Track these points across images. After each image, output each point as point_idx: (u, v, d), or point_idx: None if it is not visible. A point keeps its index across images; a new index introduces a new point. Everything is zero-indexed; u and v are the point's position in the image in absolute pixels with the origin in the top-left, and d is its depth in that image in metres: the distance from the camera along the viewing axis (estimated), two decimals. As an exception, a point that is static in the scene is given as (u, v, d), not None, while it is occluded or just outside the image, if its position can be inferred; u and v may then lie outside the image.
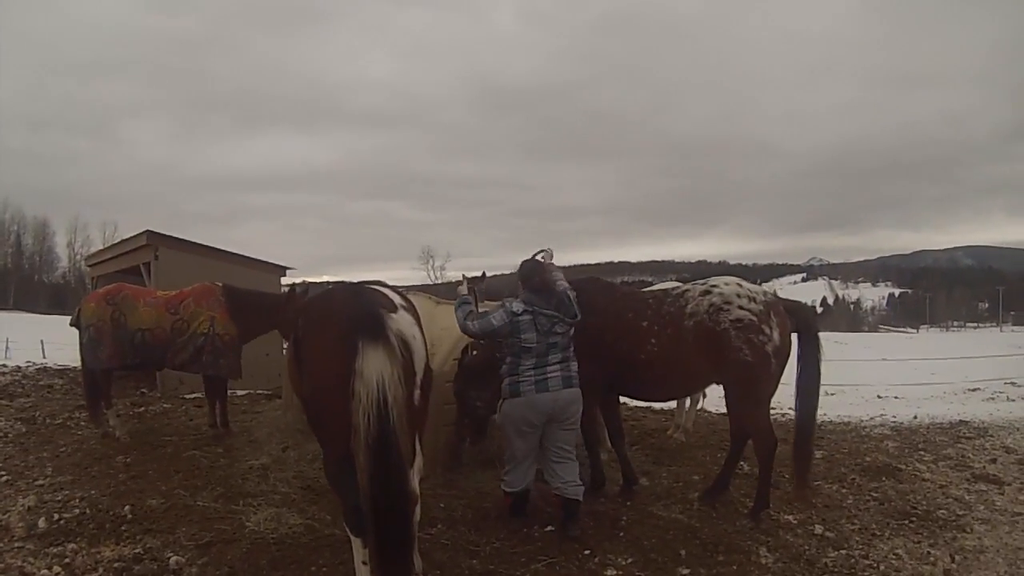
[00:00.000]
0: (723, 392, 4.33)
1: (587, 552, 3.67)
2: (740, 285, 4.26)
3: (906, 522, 4.25)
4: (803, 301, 5.74)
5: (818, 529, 4.07)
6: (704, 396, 7.23)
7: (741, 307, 4.09)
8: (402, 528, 2.80)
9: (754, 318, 4.05)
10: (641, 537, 3.88)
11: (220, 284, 6.31)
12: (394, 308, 3.14)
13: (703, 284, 4.38)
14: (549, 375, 3.91)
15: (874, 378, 11.20)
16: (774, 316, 4.10)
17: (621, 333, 4.32)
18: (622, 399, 5.13)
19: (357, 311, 2.95)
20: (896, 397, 9.67)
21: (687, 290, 4.39)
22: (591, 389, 4.43)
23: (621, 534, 3.93)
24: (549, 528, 3.97)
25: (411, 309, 3.35)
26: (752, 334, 4.03)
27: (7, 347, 13.47)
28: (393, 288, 3.57)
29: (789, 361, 4.22)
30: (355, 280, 3.71)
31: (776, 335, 4.06)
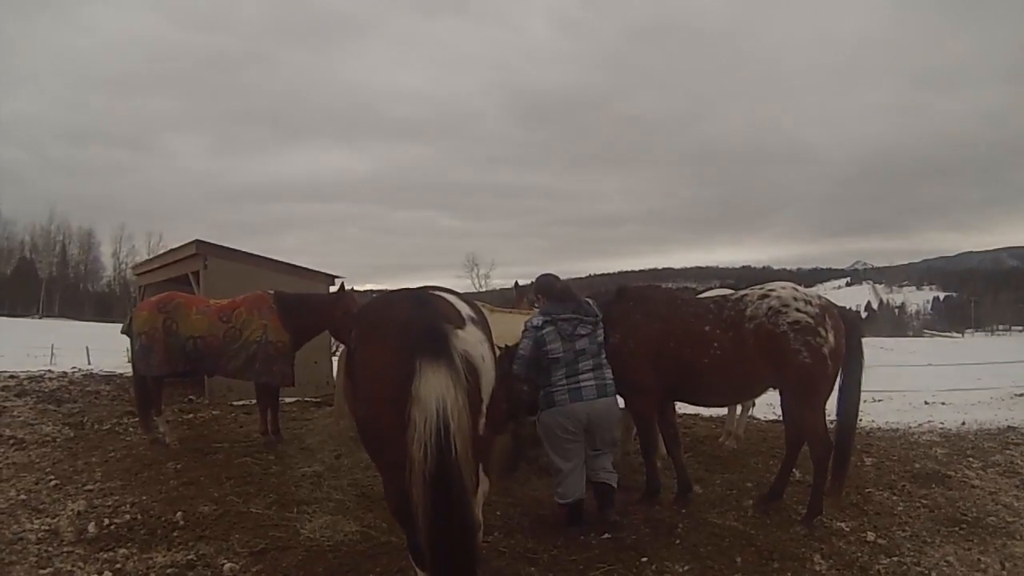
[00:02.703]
0: (779, 397, 4.34)
1: (644, 559, 3.64)
2: (796, 289, 4.31)
3: (956, 529, 4.19)
4: (847, 306, 5.68)
5: (870, 536, 4.02)
6: (754, 404, 7.15)
7: (799, 310, 4.12)
8: (464, 567, 2.52)
9: (811, 320, 4.08)
10: (697, 544, 3.85)
11: (272, 292, 6.38)
12: (462, 322, 2.81)
13: (760, 289, 4.41)
14: (583, 384, 3.97)
15: (921, 384, 11.03)
16: (829, 319, 4.13)
17: (684, 338, 4.33)
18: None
19: (417, 324, 2.61)
20: (943, 403, 9.49)
21: (745, 295, 4.42)
22: (649, 396, 4.48)
23: (677, 541, 3.90)
24: (607, 536, 3.95)
25: (482, 323, 3.02)
26: (810, 336, 4.05)
27: (52, 353, 13.86)
28: (460, 296, 3.23)
29: None
30: (414, 287, 3.35)
31: (832, 337, 4.09)
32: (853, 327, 4.30)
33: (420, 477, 2.41)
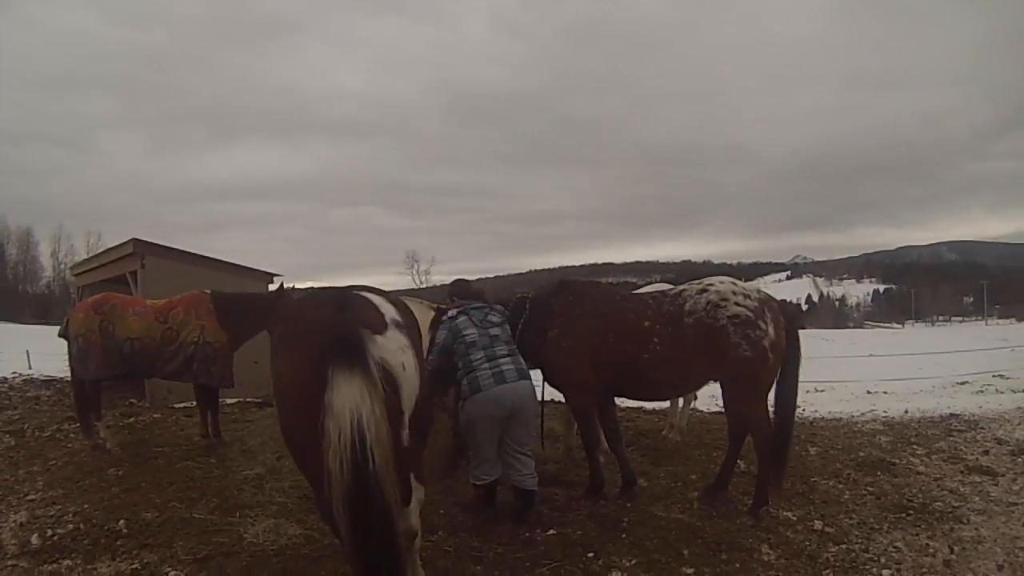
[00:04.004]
0: (721, 390, 4.41)
1: (591, 555, 3.66)
2: (735, 283, 4.37)
3: (903, 515, 4.29)
4: (787, 299, 5.81)
5: (817, 525, 4.10)
6: (695, 396, 7.27)
7: (737, 304, 4.19)
8: None
9: (750, 314, 4.15)
10: (644, 538, 3.88)
11: (209, 291, 6.24)
12: (383, 327, 2.67)
13: (699, 283, 4.46)
14: (503, 367, 4.04)
15: (863, 374, 11.27)
16: (768, 312, 4.22)
17: (623, 334, 4.36)
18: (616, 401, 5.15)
19: (332, 330, 2.48)
20: (886, 392, 9.73)
21: (684, 289, 4.46)
22: (589, 391, 4.49)
23: (624, 536, 3.93)
24: (552, 532, 3.97)
25: (408, 326, 2.88)
26: (749, 329, 4.12)
27: (-9, 358, 13.21)
28: (389, 298, 3.05)
29: None
30: (345, 285, 3.18)
31: (772, 330, 4.17)
32: (791, 320, 4.38)
33: (338, 491, 2.31)
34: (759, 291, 4.39)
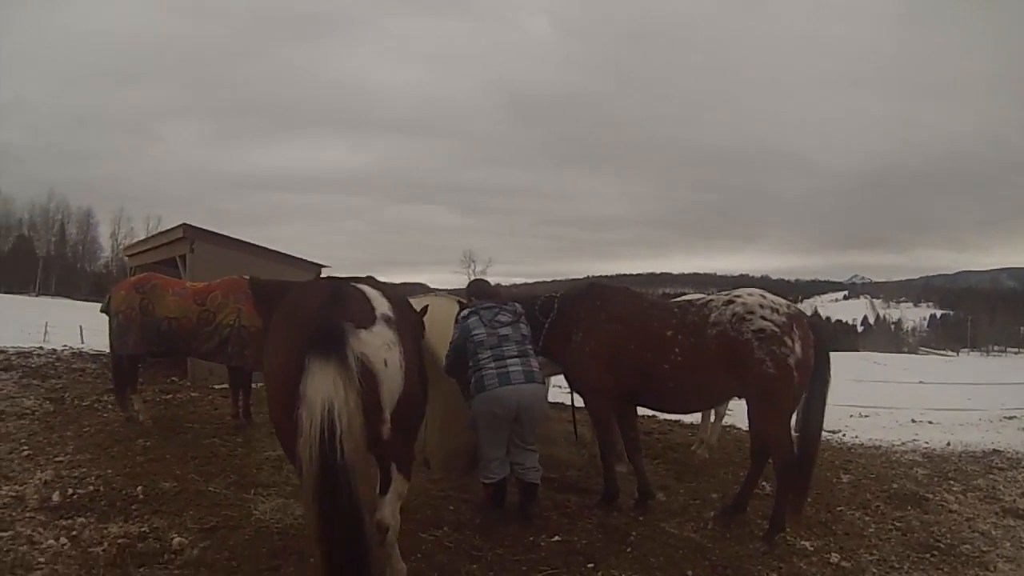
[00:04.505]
0: (746, 407, 4.23)
1: (591, 565, 3.58)
2: (764, 296, 4.19)
3: (927, 555, 4.06)
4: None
5: (834, 558, 3.90)
6: (727, 412, 7.07)
7: (764, 317, 4.01)
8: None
9: (776, 329, 3.97)
10: (649, 554, 3.78)
11: (247, 277, 6.40)
12: (370, 321, 2.67)
13: (727, 294, 4.31)
14: (510, 368, 4.02)
15: (910, 401, 10.84)
16: (797, 328, 4.02)
17: (645, 342, 4.26)
18: (651, 412, 5.05)
19: (315, 321, 2.49)
20: (931, 422, 9.29)
21: (711, 300, 4.33)
22: (607, 397, 4.42)
23: (629, 550, 3.83)
24: (557, 538, 3.90)
25: (402, 323, 2.86)
26: (775, 345, 3.94)
27: (46, 331, 13.97)
28: (385, 292, 3.02)
29: None
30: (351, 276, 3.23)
31: (799, 347, 3.97)
32: (821, 338, 4.19)
33: (307, 481, 2.30)
34: (789, 306, 4.20)
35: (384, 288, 3.11)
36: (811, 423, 4.11)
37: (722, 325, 4.08)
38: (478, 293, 4.58)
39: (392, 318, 2.78)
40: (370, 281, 3.16)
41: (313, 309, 2.64)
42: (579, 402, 4.97)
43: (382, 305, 2.81)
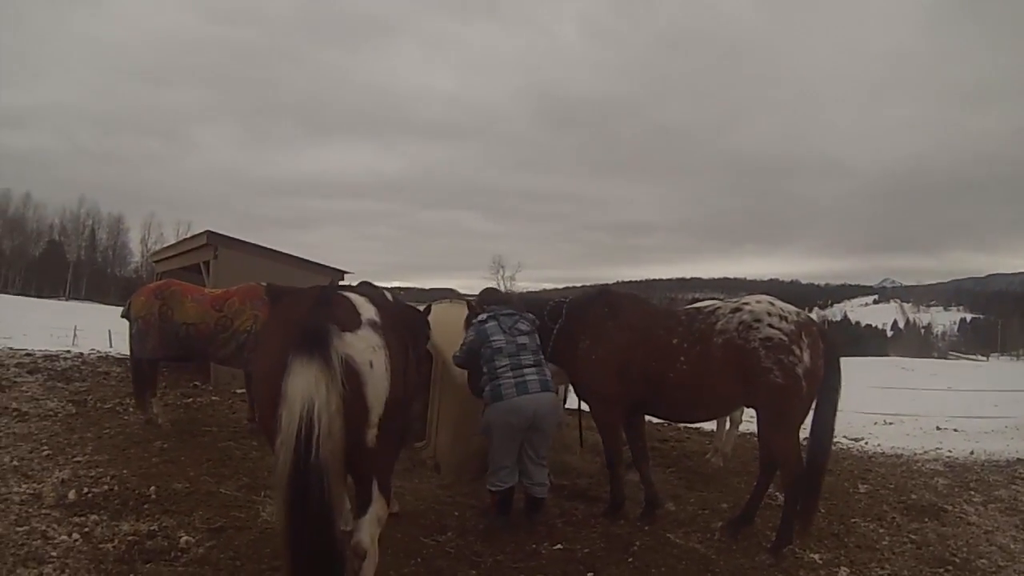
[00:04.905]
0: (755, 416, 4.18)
1: (590, 574, 3.57)
2: (772, 303, 4.12)
3: (941, 570, 3.96)
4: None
5: (843, 572, 3.82)
6: (741, 420, 6.96)
7: (771, 325, 3.94)
8: None
9: (784, 337, 3.90)
10: (651, 564, 3.74)
11: (265, 284, 6.50)
12: (355, 325, 2.64)
13: (735, 302, 4.27)
14: (527, 377, 4.03)
15: (936, 408, 10.59)
16: (806, 336, 3.94)
17: (652, 350, 4.23)
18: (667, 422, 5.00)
19: (300, 324, 2.48)
20: (956, 430, 9.09)
21: (719, 307, 4.27)
22: (614, 405, 4.40)
23: (630, 559, 3.80)
24: (559, 546, 3.89)
25: (390, 328, 2.81)
26: (782, 354, 3.87)
27: (75, 334, 14.34)
28: (372, 298, 2.98)
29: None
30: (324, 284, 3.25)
31: (807, 356, 3.89)
32: (831, 346, 4.11)
33: (278, 482, 2.21)
34: (799, 313, 4.12)
35: (373, 294, 3.10)
36: (821, 433, 4.03)
37: (728, 333, 4.03)
38: (490, 301, 4.55)
39: (379, 323, 2.76)
40: (362, 287, 3.18)
41: (298, 314, 2.64)
42: (586, 408, 4.95)
43: (368, 310, 2.79)
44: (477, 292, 4.88)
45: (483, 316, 4.33)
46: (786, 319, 3.98)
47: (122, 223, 64.67)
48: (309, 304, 2.72)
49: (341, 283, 10.30)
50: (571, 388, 5.24)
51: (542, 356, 4.26)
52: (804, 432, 4.12)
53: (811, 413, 4.04)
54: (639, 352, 4.25)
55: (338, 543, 2.39)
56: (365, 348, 2.60)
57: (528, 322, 4.34)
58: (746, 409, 5.46)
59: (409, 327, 3.77)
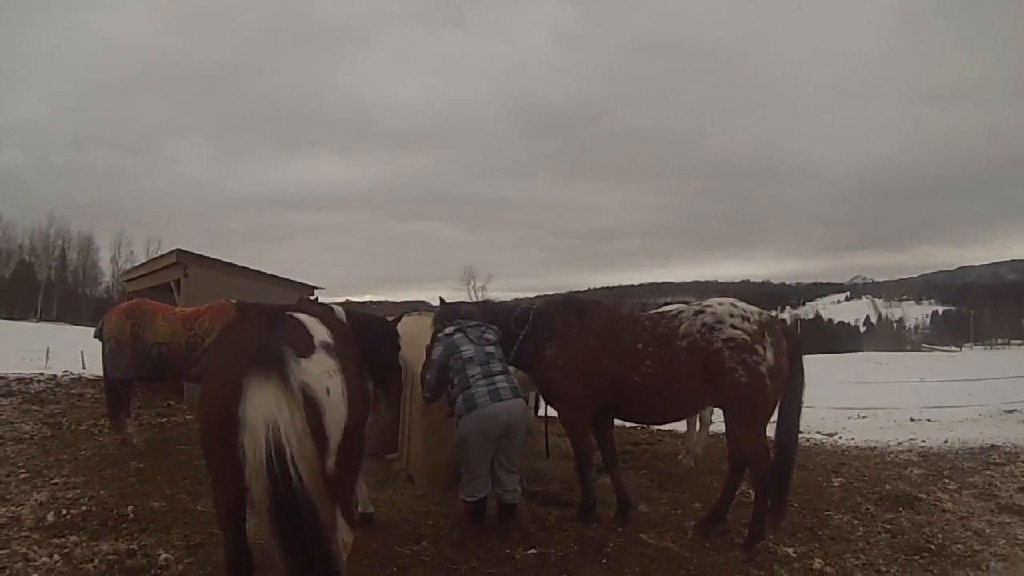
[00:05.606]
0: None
1: (564, 577, 3.60)
2: (735, 305, 4.20)
3: (916, 557, 4.02)
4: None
5: (817, 564, 3.86)
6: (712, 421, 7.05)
7: (734, 326, 4.03)
8: None
9: (747, 337, 3.98)
10: (624, 565, 3.78)
11: (235, 301, 6.47)
12: (309, 350, 2.48)
13: (698, 304, 4.34)
14: (498, 385, 4.08)
15: (909, 400, 10.78)
16: (768, 336, 4.03)
17: (616, 355, 4.29)
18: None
19: (250, 346, 2.31)
20: (929, 420, 9.23)
21: (682, 311, 4.35)
22: (581, 408, 4.44)
23: (604, 561, 3.83)
24: (533, 551, 3.92)
25: (342, 349, 2.68)
26: (746, 354, 3.96)
27: (48, 356, 14.07)
28: (325, 320, 2.85)
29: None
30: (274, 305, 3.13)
31: (771, 355, 3.98)
32: (795, 344, 4.20)
33: (264, 516, 2.06)
34: (761, 313, 4.21)
35: (324, 314, 3.01)
36: (787, 429, 4.13)
37: (692, 336, 4.10)
38: (456, 314, 4.61)
39: (332, 345, 2.63)
40: (311, 305, 3.03)
41: (248, 336, 2.50)
42: (553, 413, 5.01)
43: (320, 332, 2.66)
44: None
45: (449, 329, 4.39)
46: (748, 319, 4.06)
47: (92, 242, 63.49)
48: (257, 326, 2.61)
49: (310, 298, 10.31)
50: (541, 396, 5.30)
51: (507, 365, 4.35)
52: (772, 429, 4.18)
53: (777, 410, 4.12)
54: (604, 357, 4.31)
55: (337, 562, 2.34)
56: (321, 374, 2.45)
57: (494, 332, 4.44)
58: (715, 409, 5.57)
59: (370, 340, 3.77)
